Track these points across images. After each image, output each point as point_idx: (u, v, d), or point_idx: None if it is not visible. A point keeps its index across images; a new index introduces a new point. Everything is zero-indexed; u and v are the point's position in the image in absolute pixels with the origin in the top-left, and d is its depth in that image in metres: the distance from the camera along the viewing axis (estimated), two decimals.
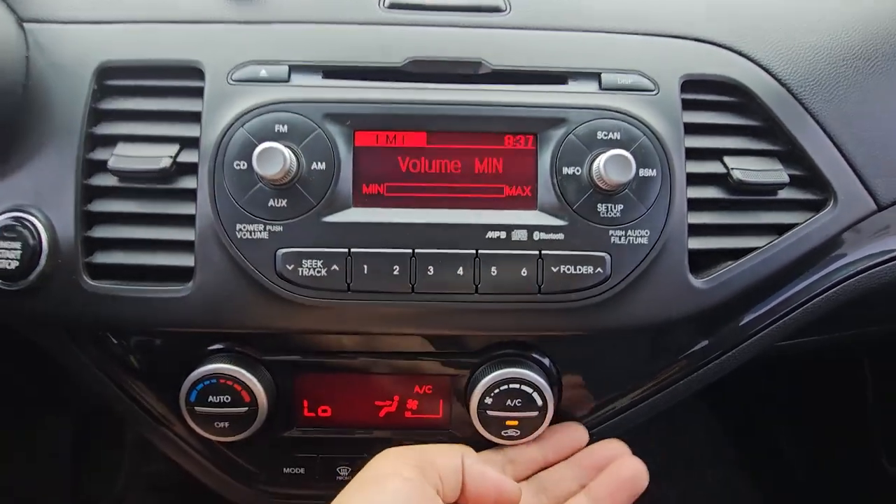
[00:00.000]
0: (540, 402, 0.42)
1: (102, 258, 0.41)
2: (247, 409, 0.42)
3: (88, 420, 0.97)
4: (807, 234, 0.43)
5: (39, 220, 0.40)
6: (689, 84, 0.42)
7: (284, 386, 0.44)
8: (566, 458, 0.43)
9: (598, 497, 0.40)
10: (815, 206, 0.43)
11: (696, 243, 0.41)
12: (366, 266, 0.39)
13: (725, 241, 0.42)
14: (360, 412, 0.45)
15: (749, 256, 0.42)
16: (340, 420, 0.45)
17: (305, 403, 0.44)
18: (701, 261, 0.42)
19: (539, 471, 0.43)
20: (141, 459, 0.97)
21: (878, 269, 0.44)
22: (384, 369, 0.44)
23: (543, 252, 0.39)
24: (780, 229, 0.43)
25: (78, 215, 0.40)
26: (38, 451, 0.79)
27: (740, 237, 0.42)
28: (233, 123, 0.39)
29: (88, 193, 0.41)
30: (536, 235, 0.39)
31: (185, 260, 0.40)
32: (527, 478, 0.42)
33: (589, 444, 0.44)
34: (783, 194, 0.43)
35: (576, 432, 0.44)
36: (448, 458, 0.38)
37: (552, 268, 0.39)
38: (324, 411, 0.45)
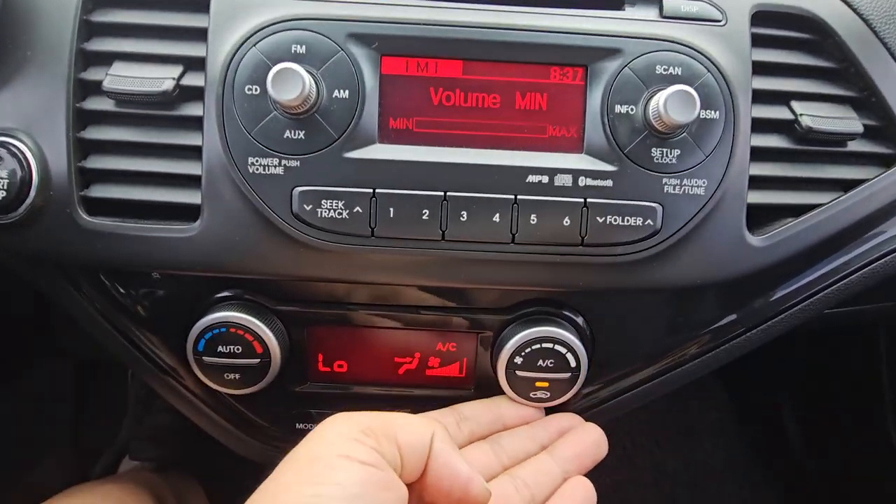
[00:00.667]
0: (573, 364, 0.39)
1: (99, 192, 0.37)
2: (259, 360, 0.39)
3: (89, 369, 0.96)
4: (875, 191, 0.39)
5: (28, 147, 0.36)
6: (761, 16, 0.37)
7: (298, 338, 0.40)
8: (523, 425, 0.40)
9: (564, 457, 0.37)
10: (886, 162, 0.39)
11: (755, 197, 0.37)
12: (392, 209, 0.35)
13: (787, 197, 0.38)
14: (378, 369, 0.42)
15: (811, 214, 0.38)
16: (356, 376, 0.42)
17: (320, 357, 0.42)
18: (758, 217, 0.38)
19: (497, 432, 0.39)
20: (144, 411, 0.96)
21: None
22: (405, 324, 0.41)
23: (589, 200, 0.35)
24: (846, 185, 0.39)
25: (71, 142, 0.36)
26: (38, 398, 0.77)
27: (803, 192, 0.39)
28: (244, 42, 0.34)
29: (82, 118, 0.36)
30: (582, 181, 0.35)
31: (192, 197, 0.36)
32: (484, 437, 0.39)
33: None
34: (853, 146, 0.39)
35: (530, 409, 0.40)
36: (414, 435, 0.30)
37: (598, 218, 0.35)
38: (339, 366, 0.42)
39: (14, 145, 0.36)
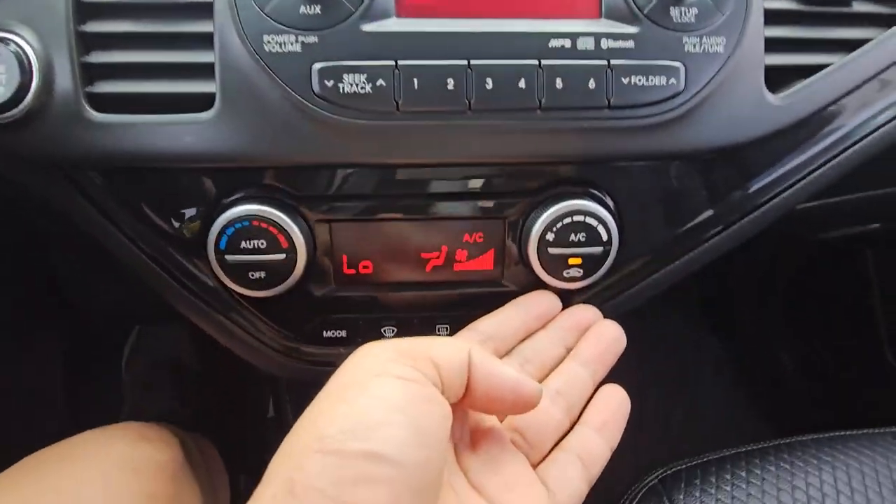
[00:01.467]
0: (605, 237, 0.39)
1: (105, 87, 0.35)
2: (285, 255, 0.37)
3: (81, 362, 0.92)
4: (878, 49, 0.40)
5: (28, 42, 0.34)
6: None
7: (321, 237, 0.39)
8: (544, 327, 0.39)
9: (587, 359, 0.37)
10: (888, 22, 0.40)
11: (771, 59, 0.38)
12: (416, 80, 0.34)
13: (799, 58, 0.39)
14: (405, 266, 0.41)
15: (824, 71, 0.39)
16: (383, 276, 0.41)
17: (345, 259, 0.40)
18: (772, 82, 0.39)
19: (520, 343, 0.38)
20: (143, 397, 0.93)
21: None
22: (431, 214, 0.40)
23: (612, 61, 0.35)
24: (852, 46, 0.40)
25: (72, 36, 0.34)
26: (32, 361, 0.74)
27: (813, 54, 0.39)
28: None
29: (82, 11, 0.35)
30: (604, 43, 0.35)
31: (205, 86, 0.35)
32: (508, 352, 0.38)
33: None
34: (857, 6, 0.40)
35: (548, 298, 0.40)
36: (451, 352, 0.28)
37: (622, 78, 0.35)
38: (364, 267, 0.41)
39: (13, 41, 0.34)
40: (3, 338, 0.91)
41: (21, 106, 0.34)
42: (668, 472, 0.54)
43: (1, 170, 0.36)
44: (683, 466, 0.54)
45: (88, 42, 0.35)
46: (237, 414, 0.87)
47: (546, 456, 0.34)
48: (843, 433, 0.56)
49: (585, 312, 0.40)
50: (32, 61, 0.34)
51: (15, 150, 0.35)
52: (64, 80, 0.34)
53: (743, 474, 0.53)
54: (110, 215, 0.38)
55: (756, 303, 1.09)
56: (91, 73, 0.35)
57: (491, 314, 0.39)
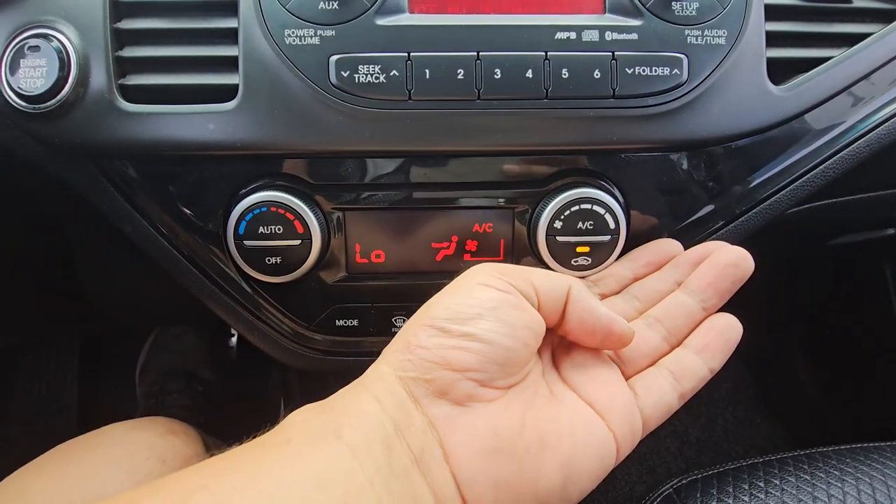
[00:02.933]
0: (613, 225, 0.39)
1: (136, 80, 0.37)
2: (300, 241, 0.39)
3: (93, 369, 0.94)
4: (878, 43, 0.40)
5: (66, 36, 0.36)
6: None
7: (335, 226, 0.41)
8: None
9: (697, 288, 0.36)
10: (888, 17, 0.41)
11: (772, 53, 0.39)
12: (427, 70, 0.36)
13: (801, 52, 0.40)
14: (416, 256, 0.42)
15: (826, 64, 0.40)
16: (395, 265, 0.42)
17: (357, 247, 0.42)
18: (776, 75, 0.40)
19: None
20: (156, 406, 0.94)
21: None
22: (442, 204, 0.41)
23: (617, 53, 0.36)
24: (853, 40, 0.41)
25: (108, 31, 0.37)
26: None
27: (815, 48, 0.40)
28: None
29: (118, 10, 0.37)
30: (609, 35, 0.37)
31: (228, 78, 0.37)
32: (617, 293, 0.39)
33: None
34: (858, 2, 0.41)
35: (669, 245, 0.40)
36: (551, 281, 0.33)
37: (626, 69, 0.36)
38: (377, 256, 0.42)
39: (54, 36, 0.36)
40: (23, 343, 0.93)
41: (58, 97, 0.36)
42: (684, 481, 0.52)
43: (37, 160, 0.38)
44: (699, 476, 0.52)
45: (122, 38, 0.37)
46: (250, 421, 0.87)
47: (640, 372, 0.35)
48: (865, 445, 0.54)
49: (705, 246, 0.38)
50: (71, 55, 0.36)
51: (52, 139, 0.37)
52: (99, 72, 0.37)
53: (761, 484, 0.51)
54: (135, 202, 0.40)
55: (775, 318, 1.07)
56: (123, 67, 0.37)
57: (603, 271, 0.40)
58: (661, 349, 0.35)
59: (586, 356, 0.34)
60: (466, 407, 0.29)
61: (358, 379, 0.31)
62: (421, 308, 0.32)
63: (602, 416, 0.32)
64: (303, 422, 0.28)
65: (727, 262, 0.36)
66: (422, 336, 0.30)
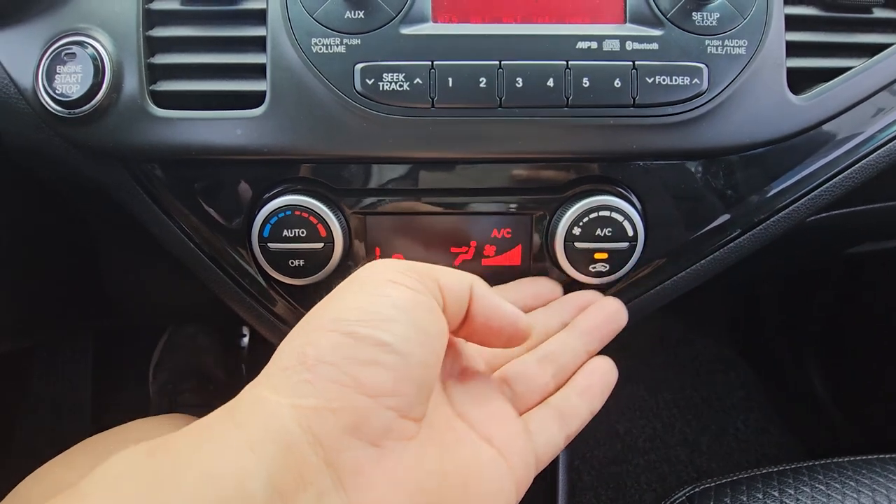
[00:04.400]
0: (631, 233, 0.40)
1: (167, 86, 0.38)
2: (323, 244, 0.39)
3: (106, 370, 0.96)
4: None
5: (101, 44, 0.38)
6: None
7: (357, 230, 0.41)
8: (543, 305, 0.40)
9: (584, 330, 0.37)
10: None
11: (792, 63, 0.39)
12: (450, 79, 0.36)
13: (821, 62, 0.40)
14: (435, 260, 0.42)
15: (845, 75, 0.40)
16: None
17: (378, 252, 0.42)
18: (797, 82, 0.40)
19: None
20: (169, 406, 0.95)
21: None
22: (461, 209, 0.42)
23: (637, 62, 0.37)
24: (874, 50, 0.41)
25: (140, 39, 0.38)
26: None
27: (835, 58, 0.40)
28: None
29: (150, 18, 0.38)
30: (629, 45, 0.37)
31: (256, 85, 0.38)
32: None
33: None
34: (878, 13, 0.41)
35: (548, 283, 0.41)
36: (455, 279, 0.29)
37: (647, 78, 0.37)
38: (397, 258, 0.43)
39: (89, 43, 0.38)
40: (39, 344, 0.95)
41: (93, 102, 0.37)
42: (697, 489, 0.52)
43: (71, 163, 0.40)
44: (713, 484, 0.52)
45: (154, 45, 0.39)
46: None
47: (529, 410, 0.34)
48: (882, 456, 0.54)
49: (586, 294, 0.40)
50: (105, 62, 0.37)
51: (85, 143, 0.38)
52: (131, 79, 0.38)
53: (776, 494, 0.51)
54: (163, 204, 0.41)
55: (787, 325, 1.06)
56: (155, 73, 0.38)
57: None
58: (549, 387, 0.35)
59: (480, 385, 0.32)
60: (382, 448, 0.23)
61: (224, 407, 0.23)
62: (315, 308, 0.26)
63: (503, 455, 0.29)
64: (107, 489, 0.19)
65: (612, 310, 0.38)
66: (324, 346, 0.23)
